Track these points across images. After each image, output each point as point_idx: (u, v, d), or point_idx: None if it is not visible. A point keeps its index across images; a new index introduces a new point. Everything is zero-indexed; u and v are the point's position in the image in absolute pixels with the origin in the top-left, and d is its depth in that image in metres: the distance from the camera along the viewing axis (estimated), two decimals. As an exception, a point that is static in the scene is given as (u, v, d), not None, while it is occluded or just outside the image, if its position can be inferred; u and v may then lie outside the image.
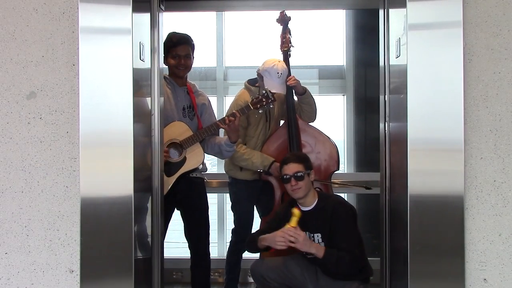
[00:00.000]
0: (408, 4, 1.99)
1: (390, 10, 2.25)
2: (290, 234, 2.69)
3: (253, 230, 3.69)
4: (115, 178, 2.02)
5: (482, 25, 2.04)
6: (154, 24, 2.26)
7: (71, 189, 2.08)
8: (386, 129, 2.32)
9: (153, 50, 2.26)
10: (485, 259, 2.06)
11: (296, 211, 2.73)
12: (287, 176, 2.88)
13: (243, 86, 3.57)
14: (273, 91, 3.33)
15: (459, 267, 2.03)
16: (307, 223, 2.82)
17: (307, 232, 2.82)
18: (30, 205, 2.09)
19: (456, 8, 1.99)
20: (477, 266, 2.05)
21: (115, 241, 2.03)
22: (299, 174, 2.85)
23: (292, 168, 2.89)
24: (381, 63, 2.37)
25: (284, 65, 3.44)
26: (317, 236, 2.83)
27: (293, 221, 2.70)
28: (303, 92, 3.49)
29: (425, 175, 2.01)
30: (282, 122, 3.62)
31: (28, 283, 2.10)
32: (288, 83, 3.43)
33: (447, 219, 2.02)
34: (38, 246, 2.10)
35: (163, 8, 2.38)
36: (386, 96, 2.33)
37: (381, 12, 2.37)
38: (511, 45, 2.04)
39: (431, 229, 2.01)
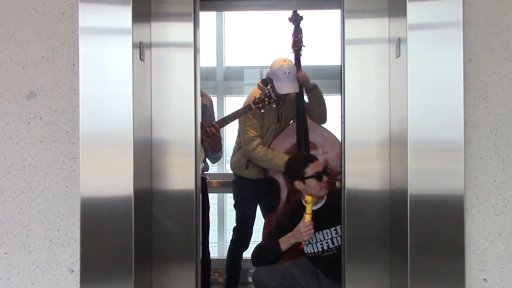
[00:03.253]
0: (408, 4, 1.99)
1: (390, 10, 2.25)
2: (309, 223, 2.73)
3: (253, 230, 3.70)
4: (115, 178, 2.02)
5: (482, 25, 2.04)
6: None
7: (71, 189, 2.08)
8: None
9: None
10: (485, 259, 2.06)
11: (309, 198, 2.78)
12: (320, 173, 2.86)
13: (254, 86, 3.57)
14: (284, 92, 3.32)
15: (459, 267, 2.03)
16: (323, 219, 2.82)
17: (322, 231, 2.82)
18: (30, 205, 2.09)
19: (456, 8, 1.99)
20: (477, 266, 2.05)
21: (115, 241, 2.03)
22: (327, 169, 2.86)
23: (319, 164, 2.89)
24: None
25: (291, 63, 3.42)
26: (340, 228, 2.78)
27: (309, 209, 2.77)
28: (313, 89, 3.47)
29: (425, 175, 2.01)
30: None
31: (28, 283, 2.10)
32: (299, 78, 3.42)
33: (447, 219, 2.02)
34: (38, 246, 2.10)
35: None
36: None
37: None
38: (511, 45, 2.04)
39: (431, 229, 2.01)
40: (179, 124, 2.22)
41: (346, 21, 2.21)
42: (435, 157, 2.01)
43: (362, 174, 2.24)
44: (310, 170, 2.88)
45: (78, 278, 2.07)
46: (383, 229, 2.25)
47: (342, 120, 2.23)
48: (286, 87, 3.34)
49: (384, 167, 2.24)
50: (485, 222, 2.05)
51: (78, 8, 2.02)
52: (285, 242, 2.82)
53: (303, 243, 2.78)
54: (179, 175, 2.23)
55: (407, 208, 2.01)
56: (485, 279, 2.06)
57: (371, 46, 2.23)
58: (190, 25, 2.22)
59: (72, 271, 2.09)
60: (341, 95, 2.25)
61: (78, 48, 2.03)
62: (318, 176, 2.85)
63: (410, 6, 1.99)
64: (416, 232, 2.01)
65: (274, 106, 3.32)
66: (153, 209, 2.23)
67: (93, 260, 2.04)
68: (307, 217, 2.75)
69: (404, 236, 2.03)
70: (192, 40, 2.22)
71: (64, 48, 2.08)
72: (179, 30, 2.23)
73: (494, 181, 2.05)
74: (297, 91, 3.43)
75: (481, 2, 2.04)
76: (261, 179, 3.47)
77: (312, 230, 2.72)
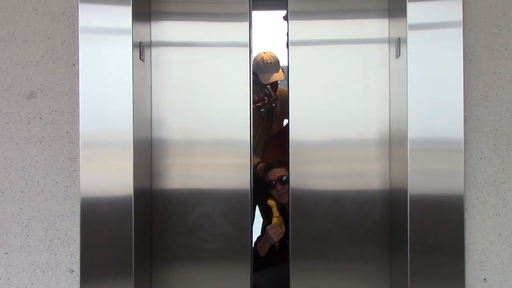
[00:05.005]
0: (408, 4, 1.99)
1: (390, 10, 2.25)
2: (276, 225, 2.82)
3: (254, 231, 3.70)
4: (115, 178, 2.02)
5: (482, 25, 2.04)
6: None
7: (71, 189, 2.08)
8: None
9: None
10: (485, 259, 2.06)
11: (271, 202, 2.86)
12: (273, 182, 2.90)
13: None
14: (270, 81, 3.36)
15: (459, 267, 2.03)
16: None
17: None
18: (30, 205, 2.09)
19: (456, 8, 1.99)
20: (477, 266, 2.05)
21: (115, 241, 2.03)
22: (284, 178, 2.87)
23: (276, 173, 2.92)
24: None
25: (272, 54, 3.49)
26: None
27: (275, 212, 2.85)
28: None
29: (425, 175, 2.01)
30: (286, 121, 3.62)
31: (28, 283, 2.10)
32: None
33: (447, 219, 2.02)
34: (38, 246, 2.10)
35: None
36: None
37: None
38: (511, 45, 2.04)
39: (431, 229, 2.01)
40: (233, 124, 2.24)
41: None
42: (435, 157, 2.01)
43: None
44: (267, 177, 2.96)
45: (78, 278, 2.07)
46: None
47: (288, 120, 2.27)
48: (271, 76, 3.40)
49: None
50: (485, 222, 2.05)
51: (78, 8, 2.02)
52: (261, 247, 2.88)
53: (276, 245, 2.83)
54: (235, 175, 2.24)
55: (407, 208, 2.01)
56: (485, 279, 2.06)
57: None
58: (246, 25, 2.23)
59: (72, 271, 2.09)
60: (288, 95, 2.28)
61: (78, 48, 2.03)
62: (271, 185, 2.90)
63: (410, 6, 1.99)
64: (416, 232, 2.01)
65: (274, 105, 3.33)
66: (207, 209, 2.26)
67: (93, 260, 2.04)
68: (274, 220, 2.84)
69: (404, 236, 2.03)
70: (247, 40, 2.23)
71: (64, 48, 2.08)
72: (233, 30, 2.24)
73: (494, 181, 2.05)
74: (282, 78, 3.48)
75: (481, 2, 2.04)
76: (259, 179, 3.47)
77: (280, 231, 2.79)
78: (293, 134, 2.23)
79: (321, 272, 2.25)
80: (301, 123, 2.23)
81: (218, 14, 2.25)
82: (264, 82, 3.43)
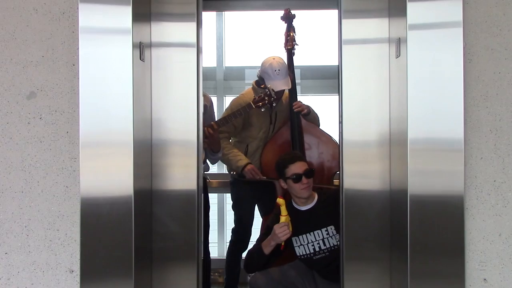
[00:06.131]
0: (408, 4, 1.99)
1: (390, 10, 2.25)
2: (284, 224, 2.75)
3: (253, 231, 3.70)
4: (115, 178, 2.02)
5: (482, 25, 2.04)
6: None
7: (71, 189, 2.08)
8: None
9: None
10: (485, 259, 2.06)
11: (280, 200, 2.80)
12: (297, 176, 2.86)
13: (250, 86, 3.57)
14: (277, 89, 3.32)
15: (459, 267, 2.03)
16: (314, 220, 2.82)
17: (314, 232, 2.83)
18: (30, 205, 2.09)
19: (456, 8, 1.99)
20: (477, 266, 2.05)
21: (115, 241, 2.03)
22: (308, 171, 2.85)
23: (301, 166, 2.89)
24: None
25: (281, 60, 3.43)
26: (330, 228, 2.82)
27: (283, 210, 2.79)
28: (308, 113, 3.50)
29: (425, 175, 2.01)
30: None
31: (28, 283, 2.10)
32: (294, 110, 3.42)
33: (447, 219, 2.02)
34: (38, 246, 2.10)
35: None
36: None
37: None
38: (511, 45, 2.04)
39: (431, 229, 2.01)
40: (181, 124, 2.22)
41: (343, 21, 2.22)
42: (435, 157, 2.01)
43: (361, 174, 2.24)
44: (289, 171, 2.91)
45: (78, 278, 2.07)
46: (383, 229, 2.25)
47: (340, 120, 2.23)
48: (279, 84, 3.35)
49: (384, 167, 2.23)
50: (485, 222, 2.05)
51: (78, 8, 2.02)
52: (266, 246, 2.85)
53: (282, 244, 2.80)
54: (181, 175, 2.23)
55: (407, 208, 2.01)
56: (485, 279, 2.06)
57: (371, 46, 2.23)
58: (193, 25, 2.22)
59: (72, 271, 2.09)
60: (339, 95, 2.25)
61: (78, 48, 2.03)
62: (295, 178, 2.87)
63: (410, 6, 1.99)
64: (416, 232, 2.01)
65: (274, 105, 3.32)
66: (154, 209, 2.23)
67: (93, 260, 2.04)
68: (282, 219, 2.80)
69: (404, 236, 2.03)
70: (195, 40, 2.21)
71: (64, 48, 2.08)
72: (181, 30, 2.23)
73: (494, 181, 2.05)
74: (289, 87, 3.43)
75: (481, 2, 2.04)
76: (257, 180, 3.47)
77: (288, 230, 2.76)
78: (346, 134, 2.21)
79: (376, 273, 2.24)
80: (354, 122, 2.21)
81: (165, 14, 2.23)
82: (273, 88, 3.38)
